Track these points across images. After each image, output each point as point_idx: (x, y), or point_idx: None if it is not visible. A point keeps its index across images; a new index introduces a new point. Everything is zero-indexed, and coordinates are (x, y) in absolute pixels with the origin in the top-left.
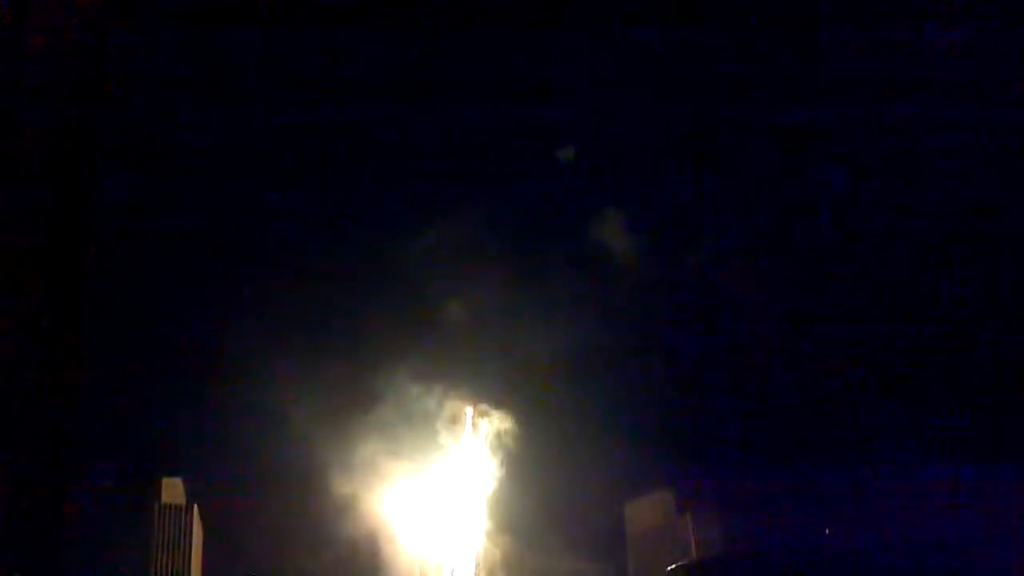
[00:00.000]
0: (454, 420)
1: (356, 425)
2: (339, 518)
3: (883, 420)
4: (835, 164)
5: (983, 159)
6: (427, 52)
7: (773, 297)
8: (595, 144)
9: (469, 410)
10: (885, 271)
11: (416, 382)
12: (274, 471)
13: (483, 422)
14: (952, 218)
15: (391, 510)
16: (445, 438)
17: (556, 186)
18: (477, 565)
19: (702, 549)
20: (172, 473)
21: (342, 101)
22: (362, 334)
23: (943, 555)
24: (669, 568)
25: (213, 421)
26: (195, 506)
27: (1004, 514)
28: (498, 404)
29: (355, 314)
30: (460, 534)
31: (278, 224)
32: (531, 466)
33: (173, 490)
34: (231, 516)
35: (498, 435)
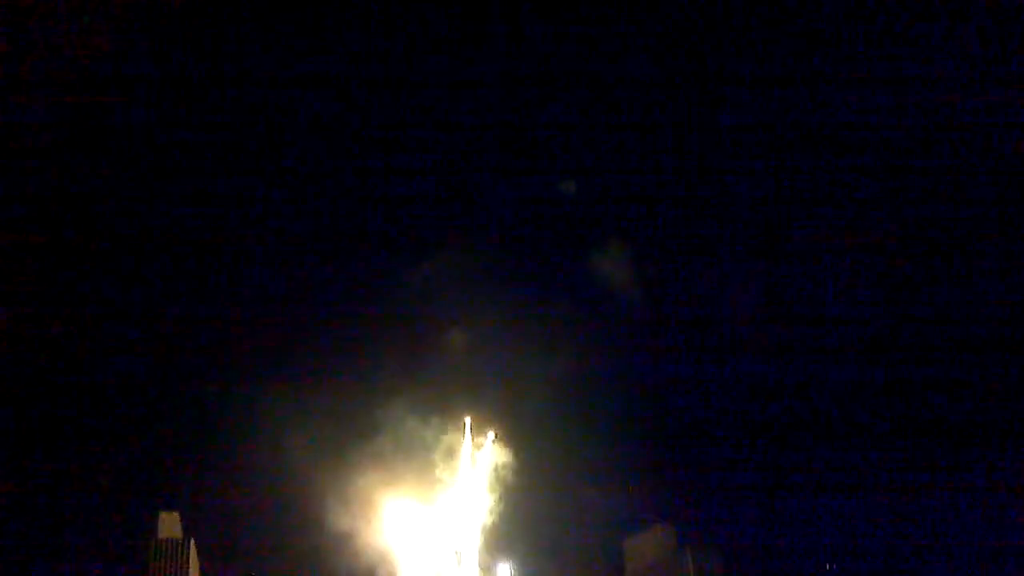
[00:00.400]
0: (451, 453)
1: (354, 458)
2: (338, 551)
3: (884, 450)
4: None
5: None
6: (431, 81)
7: (771, 329)
8: (596, 176)
9: (467, 420)
10: (883, 296)
11: (414, 415)
12: (272, 505)
13: (481, 454)
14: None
15: (390, 543)
16: (442, 471)
17: (557, 218)
18: None
19: None
20: (169, 507)
21: (343, 130)
22: (361, 367)
23: None
24: None
25: (211, 455)
26: (192, 540)
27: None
28: (497, 438)
29: (354, 346)
30: (459, 566)
31: (277, 256)
32: (530, 500)
33: (170, 524)
34: (229, 550)
35: (497, 468)
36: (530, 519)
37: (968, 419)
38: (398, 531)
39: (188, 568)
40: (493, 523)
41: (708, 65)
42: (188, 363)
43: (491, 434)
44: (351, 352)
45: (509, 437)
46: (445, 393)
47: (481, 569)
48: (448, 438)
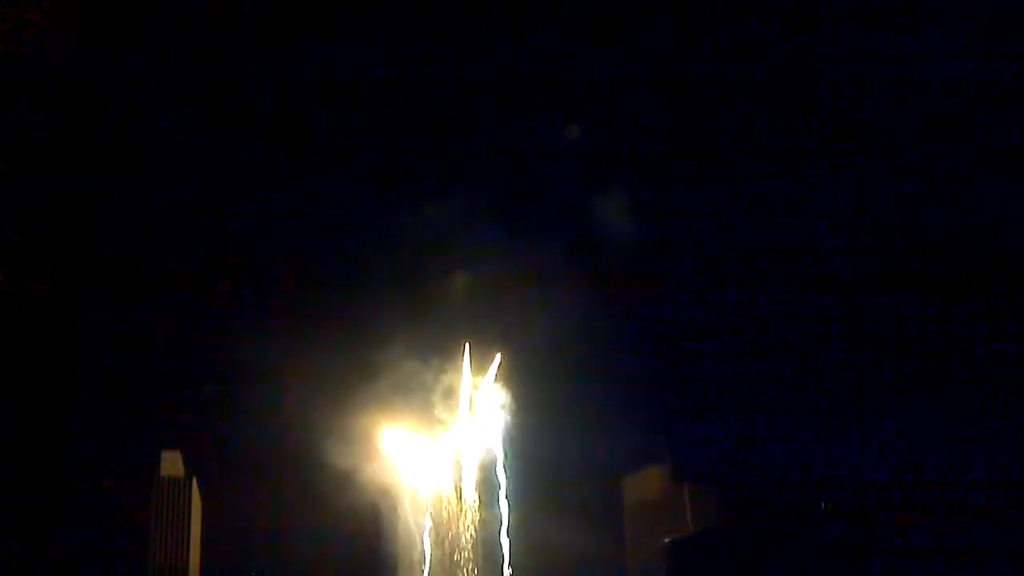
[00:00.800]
0: (450, 393)
1: (355, 397)
2: (340, 487)
3: (879, 392)
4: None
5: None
6: (435, 25)
7: (770, 267)
8: (599, 125)
9: (467, 345)
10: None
11: (414, 356)
12: (274, 443)
13: (479, 394)
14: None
15: (391, 479)
16: (441, 410)
17: (558, 164)
18: (474, 534)
19: (698, 522)
20: (171, 446)
21: (348, 73)
22: (361, 308)
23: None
24: (665, 540)
25: (213, 395)
26: (194, 478)
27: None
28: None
29: (354, 288)
30: (459, 503)
31: (277, 200)
32: (531, 438)
33: (173, 463)
34: (231, 488)
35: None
36: (531, 457)
37: (966, 357)
38: (399, 468)
39: (190, 506)
40: (492, 461)
41: (717, 15)
42: (191, 307)
43: (498, 358)
44: (351, 294)
45: (508, 378)
46: (445, 334)
47: (481, 504)
48: (447, 378)
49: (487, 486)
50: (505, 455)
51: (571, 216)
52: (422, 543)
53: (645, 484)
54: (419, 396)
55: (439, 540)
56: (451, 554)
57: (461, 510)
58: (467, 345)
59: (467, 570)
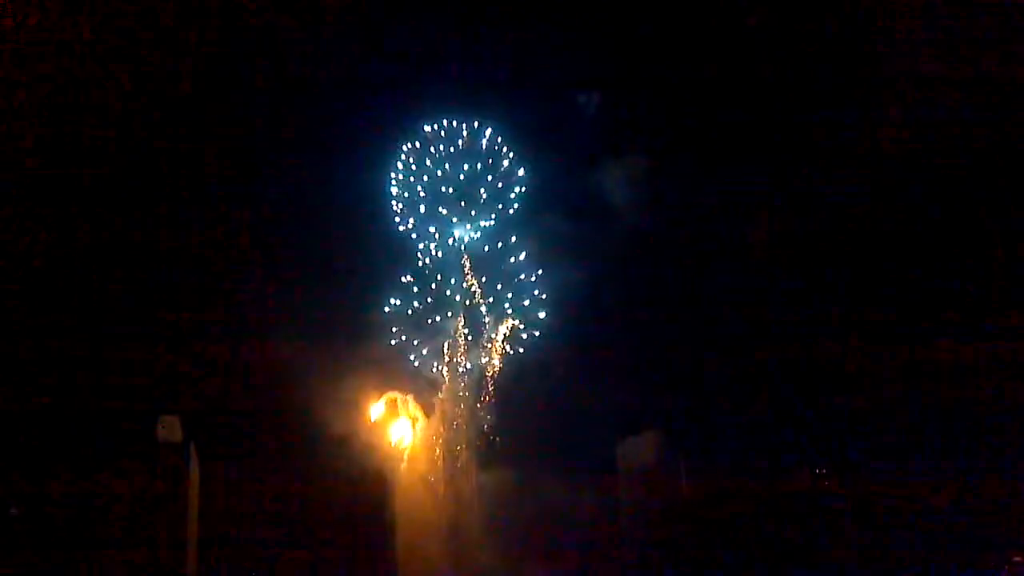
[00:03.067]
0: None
1: (352, 362)
2: (340, 452)
3: (881, 367)
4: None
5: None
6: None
7: (770, 237)
8: (614, 91)
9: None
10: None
11: (409, 321)
12: (274, 408)
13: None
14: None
15: (391, 443)
16: (439, 372)
17: (566, 128)
18: (472, 496)
19: (693, 489)
20: (169, 411)
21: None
22: (356, 271)
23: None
24: (661, 507)
25: (212, 358)
26: (192, 443)
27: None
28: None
29: (348, 251)
30: (458, 466)
31: (277, 161)
32: (525, 401)
33: (170, 428)
34: (230, 454)
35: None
36: (526, 420)
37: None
38: (398, 432)
39: (188, 471)
40: (488, 425)
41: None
42: (189, 270)
43: (510, 323)
44: (346, 256)
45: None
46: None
47: (480, 469)
48: (444, 342)
49: (485, 448)
50: (502, 418)
51: (574, 183)
52: (423, 505)
53: (640, 451)
54: (419, 359)
55: (439, 502)
56: (451, 515)
57: (462, 471)
58: (462, 317)
59: (468, 531)
